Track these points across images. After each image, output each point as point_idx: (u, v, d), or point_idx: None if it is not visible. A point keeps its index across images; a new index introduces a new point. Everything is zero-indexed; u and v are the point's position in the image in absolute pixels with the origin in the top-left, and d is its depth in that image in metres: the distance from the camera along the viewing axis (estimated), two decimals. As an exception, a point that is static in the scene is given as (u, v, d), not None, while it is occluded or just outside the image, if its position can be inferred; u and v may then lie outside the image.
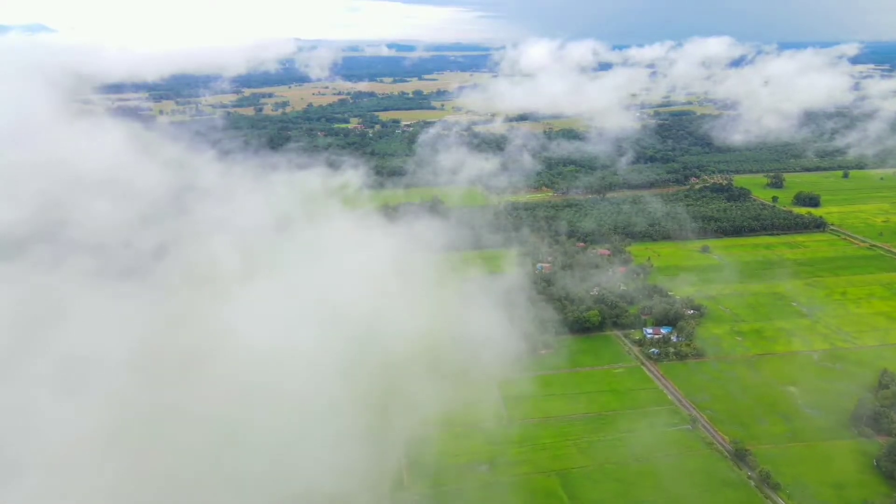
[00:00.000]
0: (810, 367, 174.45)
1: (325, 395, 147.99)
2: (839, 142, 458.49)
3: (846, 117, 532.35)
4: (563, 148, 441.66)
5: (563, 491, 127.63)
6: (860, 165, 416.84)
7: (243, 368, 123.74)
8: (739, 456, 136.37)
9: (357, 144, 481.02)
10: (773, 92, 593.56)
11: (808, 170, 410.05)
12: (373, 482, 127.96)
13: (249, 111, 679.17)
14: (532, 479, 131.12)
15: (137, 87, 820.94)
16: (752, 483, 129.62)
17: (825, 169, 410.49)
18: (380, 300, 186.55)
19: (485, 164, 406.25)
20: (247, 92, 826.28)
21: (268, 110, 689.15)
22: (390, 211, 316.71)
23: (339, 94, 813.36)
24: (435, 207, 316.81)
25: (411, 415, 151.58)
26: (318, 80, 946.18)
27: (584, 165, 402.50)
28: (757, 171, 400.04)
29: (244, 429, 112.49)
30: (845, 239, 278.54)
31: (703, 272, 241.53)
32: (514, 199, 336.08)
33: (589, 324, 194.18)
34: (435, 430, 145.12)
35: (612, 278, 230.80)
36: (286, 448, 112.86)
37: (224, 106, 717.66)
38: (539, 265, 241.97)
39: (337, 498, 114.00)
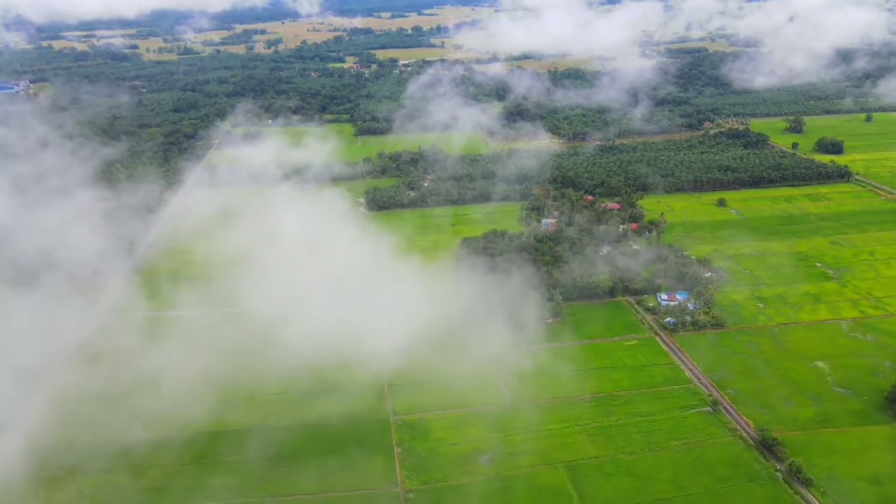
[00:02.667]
0: (839, 338, 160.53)
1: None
2: (871, 85, 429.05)
3: (882, 57, 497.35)
4: (570, 90, 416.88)
5: (573, 487, 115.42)
6: (883, 108, 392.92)
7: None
8: (766, 446, 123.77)
9: (352, 86, 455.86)
10: (800, 28, 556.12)
11: (829, 112, 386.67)
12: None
13: (240, 49, 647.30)
14: (538, 473, 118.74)
15: (123, 23, 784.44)
16: (781, 477, 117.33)
17: (847, 112, 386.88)
18: (366, 269, 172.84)
19: (486, 107, 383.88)
20: (238, 28, 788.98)
21: (259, 48, 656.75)
22: (385, 161, 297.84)
23: (335, 30, 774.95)
24: (432, 156, 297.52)
25: (402, 396, 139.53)
26: (309, 15, 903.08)
27: (592, 109, 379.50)
28: (774, 115, 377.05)
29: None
30: (871, 190, 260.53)
31: (719, 229, 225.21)
32: (517, 147, 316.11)
33: (599, 290, 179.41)
34: (430, 416, 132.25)
35: (622, 237, 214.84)
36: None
37: (213, 43, 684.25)
38: (544, 221, 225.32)
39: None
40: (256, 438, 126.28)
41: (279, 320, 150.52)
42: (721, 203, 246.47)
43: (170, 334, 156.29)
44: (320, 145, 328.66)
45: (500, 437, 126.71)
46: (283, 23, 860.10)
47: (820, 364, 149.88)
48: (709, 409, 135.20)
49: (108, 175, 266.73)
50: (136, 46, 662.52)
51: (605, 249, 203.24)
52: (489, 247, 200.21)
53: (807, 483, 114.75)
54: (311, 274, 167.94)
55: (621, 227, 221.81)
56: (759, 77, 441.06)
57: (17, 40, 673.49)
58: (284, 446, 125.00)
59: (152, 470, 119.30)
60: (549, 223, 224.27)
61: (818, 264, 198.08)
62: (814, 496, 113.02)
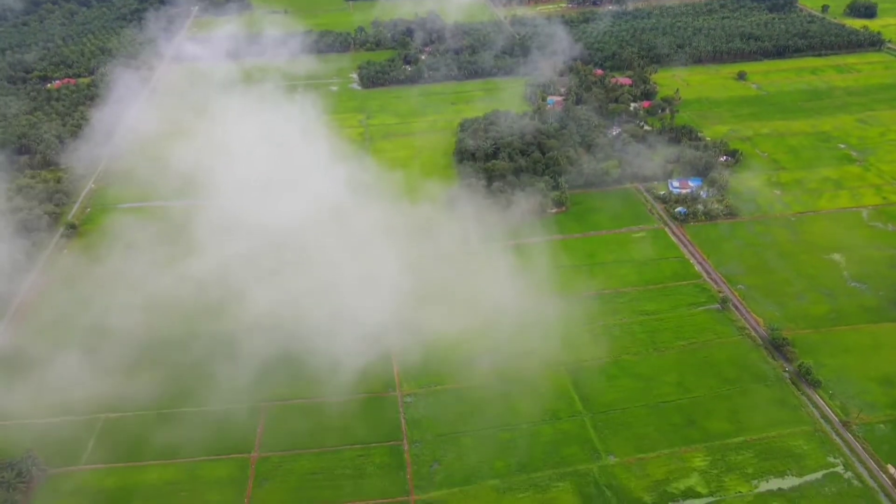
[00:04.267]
0: (858, 228, 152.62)
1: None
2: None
3: None
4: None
5: (575, 391, 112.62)
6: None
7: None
8: (775, 345, 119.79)
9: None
10: None
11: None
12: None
13: None
14: (539, 375, 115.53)
15: None
16: (788, 378, 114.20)
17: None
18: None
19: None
20: None
21: None
22: (379, 31, 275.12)
23: None
24: (430, 24, 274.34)
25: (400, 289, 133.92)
26: None
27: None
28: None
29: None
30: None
31: (738, 106, 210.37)
32: (522, 14, 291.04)
33: (607, 177, 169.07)
34: (428, 311, 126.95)
35: (633, 117, 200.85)
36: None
37: None
38: (550, 100, 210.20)
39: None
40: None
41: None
42: (741, 76, 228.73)
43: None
44: (309, 12, 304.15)
45: (502, 336, 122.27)
46: None
47: (836, 257, 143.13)
48: (717, 306, 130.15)
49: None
50: None
51: (615, 131, 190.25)
52: (490, 129, 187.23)
53: (815, 385, 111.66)
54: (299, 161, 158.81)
55: (633, 105, 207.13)
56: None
57: None
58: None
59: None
60: (555, 101, 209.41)
61: (842, 145, 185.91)
62: (821, 398, 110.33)
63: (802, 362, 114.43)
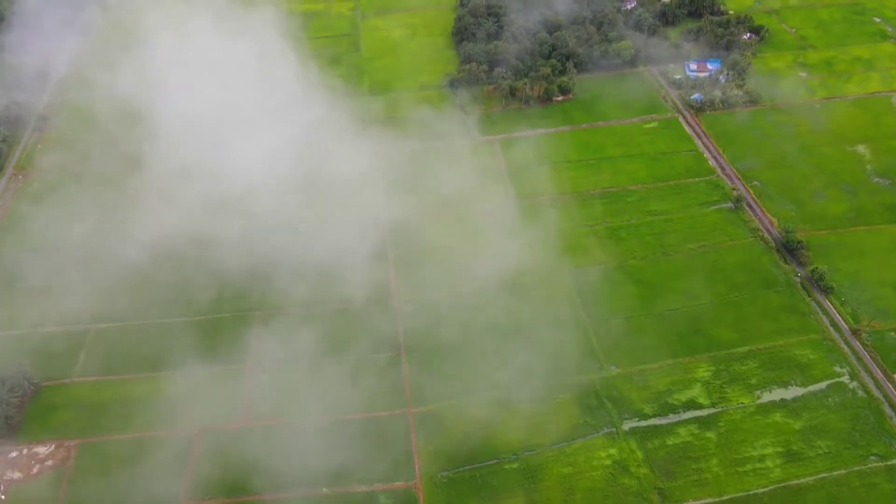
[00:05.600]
0: (887, 115, 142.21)
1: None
2: None
3: None
4: None
5: (578, 298, 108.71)
6: None
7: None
8: (789, 249, 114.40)
9: None
10: None
11: None
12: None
13: None
14: (541, 281, 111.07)
15: None
16: (800, 283, 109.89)
17: None
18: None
19: None
20: None
21: None
22: None
23: None
24: None
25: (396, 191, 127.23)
26: None
27: None
28: None
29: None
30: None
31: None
32: None
33: (618, 58, 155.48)
34: (420, 212, 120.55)
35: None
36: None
37: None
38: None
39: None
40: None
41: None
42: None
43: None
44: None
45: (501, 242, 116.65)
46: None
47: (860, 149, 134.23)
48: (731, 205, 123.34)
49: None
50: None
51: (630, 4, 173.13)
52: (492, 4, 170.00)
53: (827, 291, 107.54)
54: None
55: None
56: None
57: None
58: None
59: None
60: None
61: (877, 19, 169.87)
62: (832, 304, 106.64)
63: (816, 267, 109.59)
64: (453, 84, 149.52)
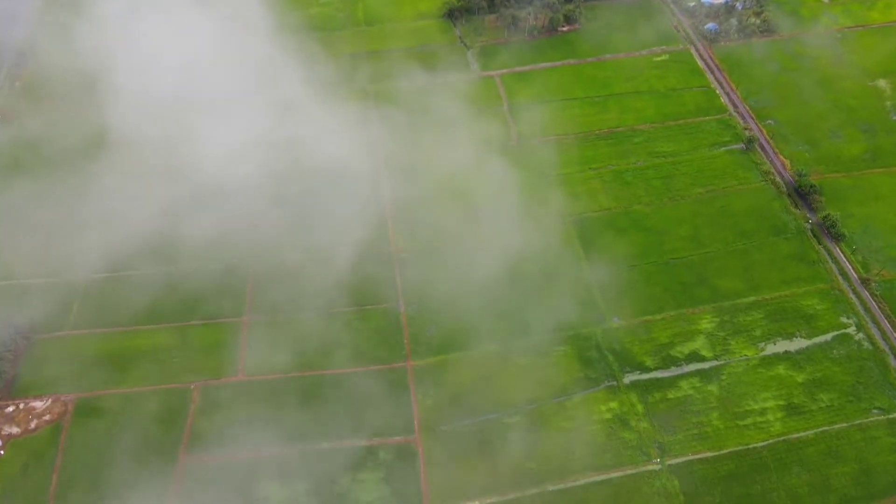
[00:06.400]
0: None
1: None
2: None
3: None
4: None
5: (580, 244, 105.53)
6: None
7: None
8: (801, 194, 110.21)
9: None
10: None
11: None
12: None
13: None
14: (543, 227, 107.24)
15: None
16: (810, 229, 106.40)
17: None
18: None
19: None
20: None
21: None
22: None
23: None
24: None
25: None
26: None
27: None
28: None
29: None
30: None
31: None
32: None
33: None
34: (417, 159, 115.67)
35: None
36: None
37: None
38: None
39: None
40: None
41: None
42: None
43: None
44: None
45: (495, 187, 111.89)
46: None
47: (881, 83, 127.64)
48: (742, 146, 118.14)
49: None
50: None
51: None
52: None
53: (838, 238, 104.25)
54: None
55: None
56: None
57: None
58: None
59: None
60: None
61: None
62: (842, 253, 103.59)
63: (828, 213, 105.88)
64: (452, 14, 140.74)
